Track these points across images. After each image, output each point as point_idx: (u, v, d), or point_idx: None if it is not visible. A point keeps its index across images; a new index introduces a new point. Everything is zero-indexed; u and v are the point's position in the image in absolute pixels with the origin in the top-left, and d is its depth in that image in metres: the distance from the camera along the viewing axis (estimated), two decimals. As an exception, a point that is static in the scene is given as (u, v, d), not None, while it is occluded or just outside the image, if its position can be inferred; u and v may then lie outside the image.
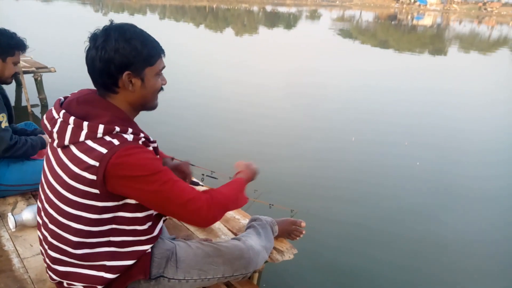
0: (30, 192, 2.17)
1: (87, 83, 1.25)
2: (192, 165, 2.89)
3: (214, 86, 7.44)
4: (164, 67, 1.27)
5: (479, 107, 7.55)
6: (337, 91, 8.04)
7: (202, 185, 2.49)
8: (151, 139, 1.25)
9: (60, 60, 7.22)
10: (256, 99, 6.94)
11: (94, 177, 1.10)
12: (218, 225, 2.08)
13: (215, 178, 3.01)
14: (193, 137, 4.83)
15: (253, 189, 3.20)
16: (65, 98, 1.26)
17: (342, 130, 5.74)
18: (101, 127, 1.11)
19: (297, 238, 1.97)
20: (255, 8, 41.13)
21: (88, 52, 1.16)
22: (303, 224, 1.96)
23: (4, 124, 1.95)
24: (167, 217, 1.68)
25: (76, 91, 1.29)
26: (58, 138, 1.16)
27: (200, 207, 1.19)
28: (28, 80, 5.17)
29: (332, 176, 4.22)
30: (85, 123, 1.11)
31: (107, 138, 1.11)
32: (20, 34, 2.09)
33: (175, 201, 1.17)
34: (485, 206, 3.85)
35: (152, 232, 1.32)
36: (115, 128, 1.12)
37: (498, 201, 3.96)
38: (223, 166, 3.63)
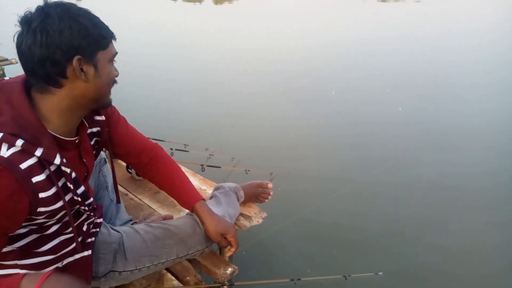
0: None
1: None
2: (161, 140, 2.80)
3: (188, 59, 7.17)
4: (116, 53, 1.05)
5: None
6: (317, 46, 7.80)
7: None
8: (57, 161, 0.95)
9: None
10: (232, 67, 6.70)
11: None
12: (183, 198, 1.95)
13: (187, 151, 2.92)
14: (165, 112, 4.64)
15: (230, 157, 3.12)
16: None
17: (322, 80, 5.58)
18: None
19: (266, 201, 1.87)
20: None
21: (21, 39, 0.92)
22: (270, 185, 1.84)
23: None
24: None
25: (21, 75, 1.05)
26: None
27: None
28: (-9, 76, 4.98)
29: (312, 134, 4.09)
30: None
31: None
32: None
33: None
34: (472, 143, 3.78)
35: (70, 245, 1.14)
36: None
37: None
38: (197, 139, 3.53)
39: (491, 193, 3.02)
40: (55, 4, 0.94)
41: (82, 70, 0.96)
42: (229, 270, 1.49)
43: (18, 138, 0.89)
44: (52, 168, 0.96)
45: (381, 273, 1.62)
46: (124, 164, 2.13)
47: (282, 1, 15.04)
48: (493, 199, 2.94)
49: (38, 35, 0.90)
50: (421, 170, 3.32)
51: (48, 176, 0.95)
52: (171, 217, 1.72)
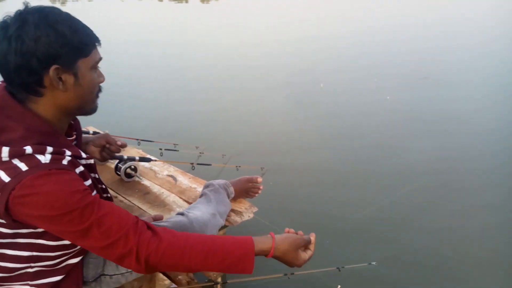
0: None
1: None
2: (150, 141, 2.75)
3: (172, 57, 7.11)
4: (101, 59, 1.01)
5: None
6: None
7: (156, 160, 2.34)
8: (84, 155, 1.01)
9: None
10: (217, 65, 6.67)
11: None
12: (172, 197, 1.94)
13: (176, 150, 2.89)
14: (153, 112, 4.58)
15: (220, 154, 3.10)
16: None
17: (310, 73, 5.57)
18: (5, 151, 0.86)
19: (256, 195, 1.86)
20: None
21: None
22: (259, 179, 1.84)
23: None
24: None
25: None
26: None
27: (126, 253, 0.92)
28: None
29: (301, 127, 4.09)
30: None
31: (15, 161, 0.87)
32: None
33: (96, 244, 0.92)
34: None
35: None
36: (24, 151, 0.87)
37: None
38: (186, 138, 3.50)
39: (481, 175, 3.06)
40: (34, 9, 0.90)
41: (60, 79, 0.93)
42: (221, 267, 1.47)
43: (45, 146, 0.91)
44: (82, 162, 1.01)
45: (374, 262, 1.62)
46: (112, 166, 2.10)
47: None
48: (484, 182, 2.98)
49: (13, 43, 0.87)
50: (412, 157, 3.35)
51: (84, 169, 1.00)
52: (161, 217, 1.70)
